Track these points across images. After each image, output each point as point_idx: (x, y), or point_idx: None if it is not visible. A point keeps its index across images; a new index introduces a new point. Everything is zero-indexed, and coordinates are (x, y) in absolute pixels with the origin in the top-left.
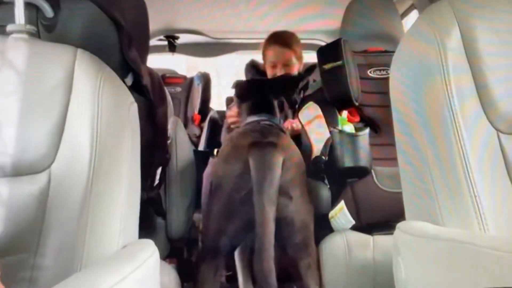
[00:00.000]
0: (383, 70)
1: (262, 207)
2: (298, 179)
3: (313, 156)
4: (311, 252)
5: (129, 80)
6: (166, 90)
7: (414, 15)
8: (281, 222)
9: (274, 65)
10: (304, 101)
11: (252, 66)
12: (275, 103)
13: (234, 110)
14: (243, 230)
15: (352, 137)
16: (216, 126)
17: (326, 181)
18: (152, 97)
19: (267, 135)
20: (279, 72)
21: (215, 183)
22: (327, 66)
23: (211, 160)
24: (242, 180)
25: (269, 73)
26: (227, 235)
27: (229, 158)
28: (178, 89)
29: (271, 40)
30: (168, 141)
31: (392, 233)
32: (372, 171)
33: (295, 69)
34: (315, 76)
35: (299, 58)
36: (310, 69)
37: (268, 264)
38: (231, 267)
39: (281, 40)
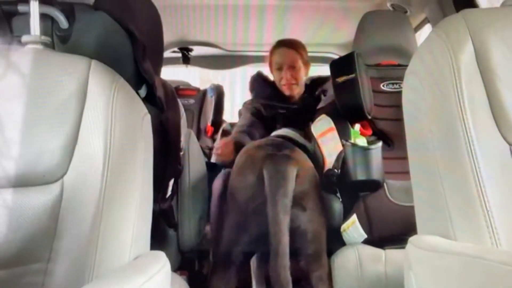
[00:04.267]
0: (396, 83)
1: (276, 216)
2: (311, 191)
3: (326, 169)
4: (323, 264)
5: (143, 91)
6: (180, 102)
7: (427, 28)
8: (294, 232)
9: (280, 66)
10: (316, 114)
11: (259, 79)
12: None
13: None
14: (256, 241)
15: (365, 150)
16: None
17: (338, 194)
18: (165, 109)
19: (282, 148)
20: (285, 74)
21: (229, 194)
22: (340, 79)
23: (221, 172)
24: (256, 191)
25: (276, 77)
26: (239, 246)
27: (243, 169)
28: (192, 101)
29: (276, 45)
30: (181, 153)
31: (404, 247)
32: (385, 184)
33: (301, 73)
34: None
35: (305, 63)
36: (316, 82)
37: (285, 274)
38: (241, 280)
39: (286, 43)
